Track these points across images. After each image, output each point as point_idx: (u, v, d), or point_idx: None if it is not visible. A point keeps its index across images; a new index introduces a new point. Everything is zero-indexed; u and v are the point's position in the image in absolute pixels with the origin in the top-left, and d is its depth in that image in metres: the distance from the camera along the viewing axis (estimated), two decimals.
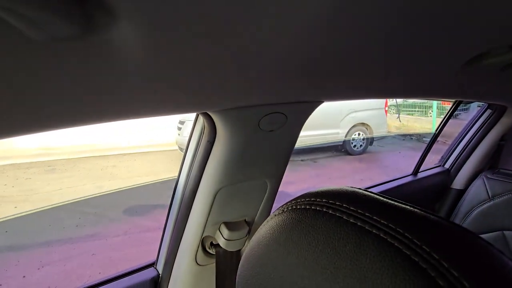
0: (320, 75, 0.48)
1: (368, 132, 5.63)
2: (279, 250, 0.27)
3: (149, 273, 0.83)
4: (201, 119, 0.67)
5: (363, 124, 5.54)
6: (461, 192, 1.67)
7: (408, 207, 0.25)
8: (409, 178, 1.59)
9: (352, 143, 5.50)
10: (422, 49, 0.45)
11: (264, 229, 0.30)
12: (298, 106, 0.63)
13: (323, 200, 0.27)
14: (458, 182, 1.68)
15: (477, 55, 0.52)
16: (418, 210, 0.24)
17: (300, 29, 0.32)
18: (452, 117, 1.58)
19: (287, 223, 0.28)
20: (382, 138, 6.08)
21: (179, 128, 4.55)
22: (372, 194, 0.27)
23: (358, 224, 0.23)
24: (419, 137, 6.97)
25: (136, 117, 0.47)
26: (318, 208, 0.26)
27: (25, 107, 0.32)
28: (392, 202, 0.26)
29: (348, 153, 5.49)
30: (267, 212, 0.82)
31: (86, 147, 5.27)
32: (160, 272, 0.83)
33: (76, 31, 0.24)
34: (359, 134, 5.54)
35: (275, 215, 0.30)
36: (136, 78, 0.34)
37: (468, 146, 1.64)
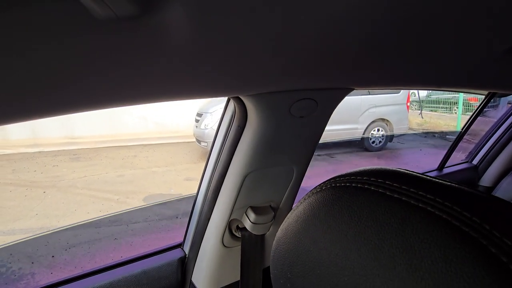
0: (353, 62, 0.48)
1: (388, 128, 5.48)
2: (318, 225, 0.27)
3: (176, 253, 0.87)
4: (232, 104, 0.68)
5: (383, 119, 5.39)
6: (489, 190, 1.61)
7: (455, 184, 0.25)
8: (434, 174, 1.54)
9: (370, 139, 5.37)
10: (461, 34, 0.43)
11: (302, 206, 0.31)
12: (329, 92, 0.63)
13: (364, 177, 0.27)
14: (486, 179, 1.62)
15: None
16: (464, 187, 0.24)
17: (334, 15, 0.32)
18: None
19: (326, 200, 0.28)
20: (402, 134, 5.90)
21: (197, 121, 4.62)
22: (414, 173, 0.27)
23: (403, 199, 0.24)
24: (442, 134, 6.72)
25: (175, 99, 0.48)
26: (359, 185, 0.27)
27: (73, 85, 0.33)
28: (437, 179, 0.26)
29: (366, 149, 5.37)
30: (292, 199, 0.83)
31: (108, 137, 5.47)
32: (187, 252, 0.86)
33: (136, 10, 0.25)
34: (378, 130, 5.40)
35: (312, 193, 0.31)
36: (181, 61, 0.35)
37: (499, 143, 1.57)
